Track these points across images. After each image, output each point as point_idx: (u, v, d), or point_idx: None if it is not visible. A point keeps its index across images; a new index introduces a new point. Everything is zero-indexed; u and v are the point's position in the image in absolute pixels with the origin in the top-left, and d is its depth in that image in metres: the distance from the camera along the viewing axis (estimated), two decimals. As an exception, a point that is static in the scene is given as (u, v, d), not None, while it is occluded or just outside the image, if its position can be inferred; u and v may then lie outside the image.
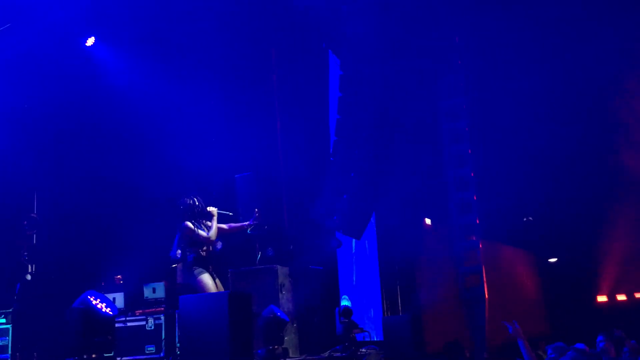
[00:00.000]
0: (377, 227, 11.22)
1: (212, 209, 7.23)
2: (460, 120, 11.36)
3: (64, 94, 10.18)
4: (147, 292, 9.44)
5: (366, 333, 8.83)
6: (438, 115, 11.42)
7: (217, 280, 7.09)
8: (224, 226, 7.48)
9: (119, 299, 9.30)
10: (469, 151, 11.31)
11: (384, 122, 10.04)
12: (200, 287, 6.83)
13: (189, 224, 7.06)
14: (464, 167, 11.32)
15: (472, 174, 11.31)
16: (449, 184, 11.42)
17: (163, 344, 8.80)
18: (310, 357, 7.81)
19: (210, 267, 7.12)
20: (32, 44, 9.71)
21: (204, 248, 7.09)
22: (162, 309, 9.07)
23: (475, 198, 11.27)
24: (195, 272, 6.90)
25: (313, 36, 10.10)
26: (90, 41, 9.86)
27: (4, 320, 9.41)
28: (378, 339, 10.36)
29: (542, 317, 17.22)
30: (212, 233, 7.08)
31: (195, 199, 7.29)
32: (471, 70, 11.28)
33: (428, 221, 12.54)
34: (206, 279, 6.86)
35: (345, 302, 10.48)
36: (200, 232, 7.04)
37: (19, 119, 10.57)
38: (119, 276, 9.88)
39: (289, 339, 8.21)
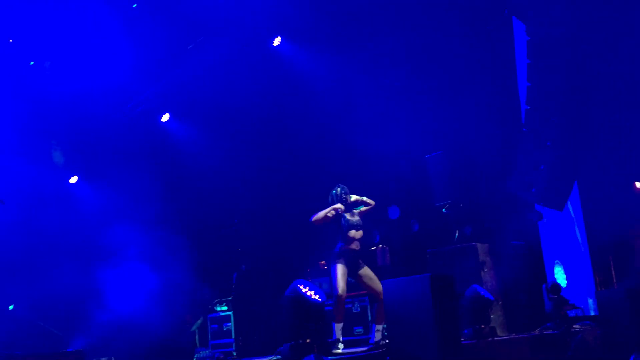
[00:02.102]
0: (581, 196, 10.55)
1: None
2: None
3: (259, 94, 10.83)
4: (350, 276, 9.75)
5: (579, 310, 8.38)
6: (641, 69, 10.43)
7: (362, 270, 7.14)
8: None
9: (325, 284, 9.73)
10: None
11: (579, 85, 9.39)
12: (332, 275, 7.04)
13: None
14: (677, 124, 10.25)
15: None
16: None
17: (370, 325, 9.06)
18: (520, 336, 7.58)
19: (359, 260, 7.20)
20: (226, 51, 10.44)
21: (351, 242, 7.16)
22: (366, 291, 9.33)
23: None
24: (336, 260, 7.06)
25: (495, 4, 9.71)
26: (277, 41, 10.36)
27: (225, 308, 10.30)
28: (591, 314, 9.79)
29: None
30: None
31: (337, 189, 7.42)
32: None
33: (639, 185, 11.51)
34: (339, 269, 6.97)
35: (558, 269, 10.01)
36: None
37: (218, 122, 11.47)
38: (322, 262, 10.33)
39: (495, 317, 8.05)
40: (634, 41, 9.60)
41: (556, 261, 10.43)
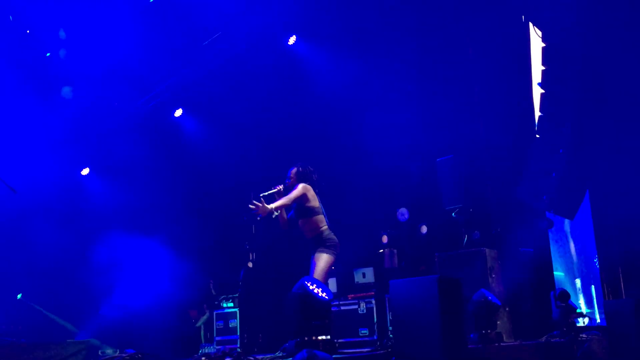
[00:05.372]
0: (592, 205, 10.49)
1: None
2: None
3: (271, 92, 10.85)
4: (357, 277, 9.78)
5: (586, 318, 8.33)
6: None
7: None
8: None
9: (332, 284, 9.74)
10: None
11: (593, 93, 9.34)
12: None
13: None
14: (692, 135, 10.18)
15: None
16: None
17: (375, 326, 9.05)
18: (526, 342, 7.54)
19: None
20: (240, 49, 10.47)
21: None
22: (373, 293, 9.34)
23: None
24: None
25: (511, 9, 9.68)
26: (292, 40, 10.38)
27: (231, 304, 10.32)
28: (599, 324, 9.73)
29: None
30: None
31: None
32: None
33: (651, 196, 11.43)
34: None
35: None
36: None
37: (231, 119, 11.49)
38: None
39: (502, 323, 8.01)
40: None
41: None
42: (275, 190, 6.75)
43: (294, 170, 6.86)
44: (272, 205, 6.30)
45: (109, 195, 11.66)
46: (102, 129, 11.44)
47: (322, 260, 6.40)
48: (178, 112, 11.65)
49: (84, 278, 10.64)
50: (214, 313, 10.55)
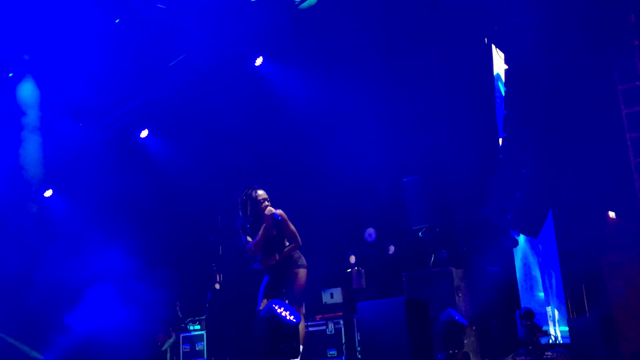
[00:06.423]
0: (555, 224, 10.69)
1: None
2: (642, 104, 10.49)
3: (239, 113, 10.85)
4: (326, 298, 9.76)
5: (550, 336, 8.44)
6: (616, 101, 10.63)
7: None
8: None
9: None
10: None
11: (556, 114, 9.56)
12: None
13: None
14: (650, 155, 10.43)
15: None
16: (634, 174, 10.59)
17: (344, 347, 9.03)
18: (493, 362, 7.61)
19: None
20: (206, 69, 10.47)
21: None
22: (341, 313, 9.33)
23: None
24: None
25: (474, 32, 9.85)
26: (258, 61, 10.41)
27: (198, 327, 10.19)
28: (564, 342, 9.86)
29: None
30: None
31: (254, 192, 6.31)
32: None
33: (612, 214, 11.68)
34: None
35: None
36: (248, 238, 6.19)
37: (199, 140, 11.44)
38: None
39: (469, 342, 8.05)
40: (609, 72, 9.83)
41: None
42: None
43: (265, 193, 6.47)
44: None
45: (69, 216, 11.46)
46: (66, 149, 11.26)
47: (302, 276, 6.16)
48: (144, 133, 11.55)
49: (45, 301, 10.40)
50: (181, 336, 10.40)
